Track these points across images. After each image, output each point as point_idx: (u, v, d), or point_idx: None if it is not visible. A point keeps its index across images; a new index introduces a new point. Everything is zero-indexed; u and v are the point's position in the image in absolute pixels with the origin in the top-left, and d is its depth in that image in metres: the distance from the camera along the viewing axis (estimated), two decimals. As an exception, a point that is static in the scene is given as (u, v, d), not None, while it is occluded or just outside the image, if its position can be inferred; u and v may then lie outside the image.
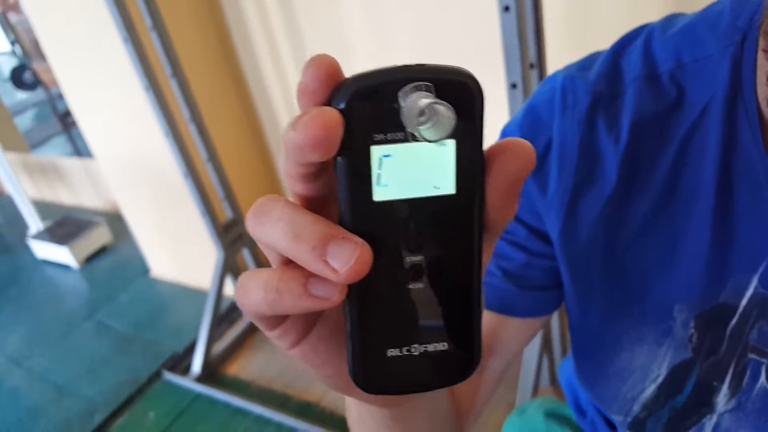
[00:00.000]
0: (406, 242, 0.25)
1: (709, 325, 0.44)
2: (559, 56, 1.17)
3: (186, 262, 2.13)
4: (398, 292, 0.26)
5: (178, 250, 2.11)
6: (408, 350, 0.26)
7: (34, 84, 4.49)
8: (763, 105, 0.38)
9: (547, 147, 0.47)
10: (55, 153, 3.57)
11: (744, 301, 0.42)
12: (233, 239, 1.83)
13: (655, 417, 0.50)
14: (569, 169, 0.45)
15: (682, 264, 0.44)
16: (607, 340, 0.49)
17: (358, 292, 0.25)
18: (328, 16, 1.66)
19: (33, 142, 3.81)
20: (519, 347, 0.55)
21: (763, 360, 0.43)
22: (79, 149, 3.41)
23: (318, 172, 0.24)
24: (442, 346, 0.26)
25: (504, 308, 0.52)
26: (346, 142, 0.23)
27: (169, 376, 1.80)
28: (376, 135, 0.23)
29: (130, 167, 1.99)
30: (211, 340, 1.80)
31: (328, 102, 0.23)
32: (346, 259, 0.22)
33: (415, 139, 0.23)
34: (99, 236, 2.57)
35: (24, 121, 4.70)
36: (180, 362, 1.86)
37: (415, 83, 0.23)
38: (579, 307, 0.50)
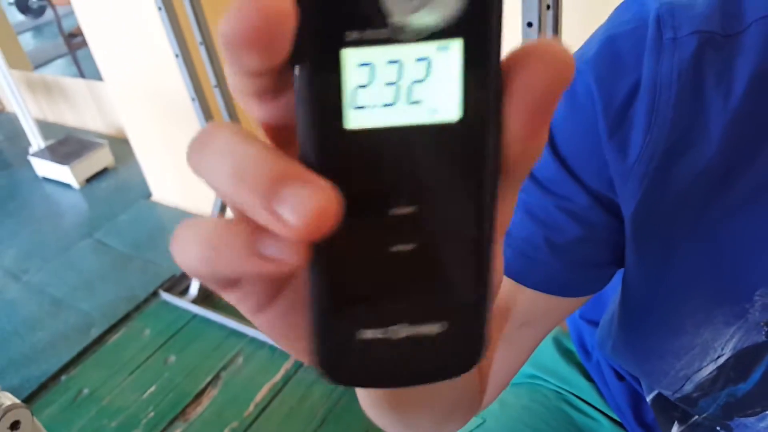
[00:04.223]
0: (390, 187, 0.18)
1: None
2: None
3: (188, 187, 2.15)
4: (377, 254, 0.19)
5: (181, 174, 2.13)
6: (390, 331, 0.20)
7: (41, 9, 4.40)
8: None
9: (632, 96, 0.37)
10: (58, 74, 3.54)
11: None
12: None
13: (710, 398, 0.46)
14: (662, 128, 0.36)
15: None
16: (671, 318, 0.44)
17: (322, 254, 0.18)
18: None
19: (37, 63, 3.77)
20: (560, 320, 0.48)
21: None
22: (83, 71, 3.39)
23: (275, 86, 0.18)
24: (437, 327, 0.20)
25: (549, 287, 0.44)
26: (305, 41, 0.16)
27: (167, 296, 1.85)
28: (349, 32, 0.17)
29: (139, 90, 1.99)
30: (208, 265, 1.83)
31: None
32: (303, 208, 0.16)
33: (403, 36, 0.17)
34: (101, 158, 2.58)
35: (28, 40, 4.63)
36: (178, 284, 1.91)
37: None
38: (646, 285, 0.44)
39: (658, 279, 0.43)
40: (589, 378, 0.64)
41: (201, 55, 1.67)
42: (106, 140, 2.64)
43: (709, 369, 0.43)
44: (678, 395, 0.46)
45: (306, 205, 0.16)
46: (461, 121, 0.17)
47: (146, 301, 1.86)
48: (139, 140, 2.18)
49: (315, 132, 0.17)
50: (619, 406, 0.60)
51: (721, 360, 0.42)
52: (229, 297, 0.21)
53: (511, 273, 0.44)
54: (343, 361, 0.20)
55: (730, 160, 0.36)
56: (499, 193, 0.19)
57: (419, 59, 0.17)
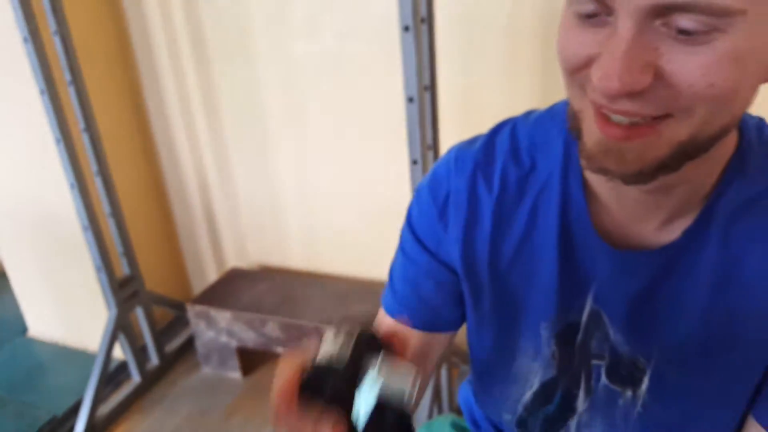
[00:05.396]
0: None
1: (565, 342, 0.58)
2: (451, 140, 1.36)
3: (70, 322, 2.05)
4: None
5: (63, 308, 2.03)
6: None
7: None
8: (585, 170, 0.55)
9: (446, 198, 0.61)
10: None
11: (584, 318, 0.57)
12: (128, 296, 1.81)
13: (533, 417, 0.64)
14: (462, 212, 0.60)
15: (541, 289, 0.57)
16: (498, 350, 0.63)
17: None
18: (243, 76, 1.77)
19: None
20: (438, 358, 0.68)
21: (602, 363, 0.58)
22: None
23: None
24: None
25: (428, 326, 0.65)
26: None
27: (46, 441, 1.69)
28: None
29: (22, 220, 1.92)
30: (96, 402, 1.73)
31: None
32: None
33: None
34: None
35: None
36: (59, 426, 1.76)
37: None
38: (476, 324, 0.63)
39: (482, 318, 0.62)
40: None
41: (97, 185, 1.69)
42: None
43: (528, 395, 0.63)
44: (515, 417, 0.65)
45: None
46: None
47: (22, 448, 1.70)
48: (17, 272, 2.07)
49: None
50: None
51: (534, 388, 0.62)
52: None
53: (412, 324, 0.65)
54: None
55: (497, 230, 0.58)
56: None
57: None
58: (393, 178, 1.65)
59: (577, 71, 0.42)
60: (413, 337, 0.65)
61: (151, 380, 1.91)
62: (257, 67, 1.73)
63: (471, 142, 0.63)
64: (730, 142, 0.50)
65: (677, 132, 0.41)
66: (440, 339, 0.66)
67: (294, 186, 1.89)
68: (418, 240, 0.63)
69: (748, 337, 0.50)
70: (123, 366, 1.91)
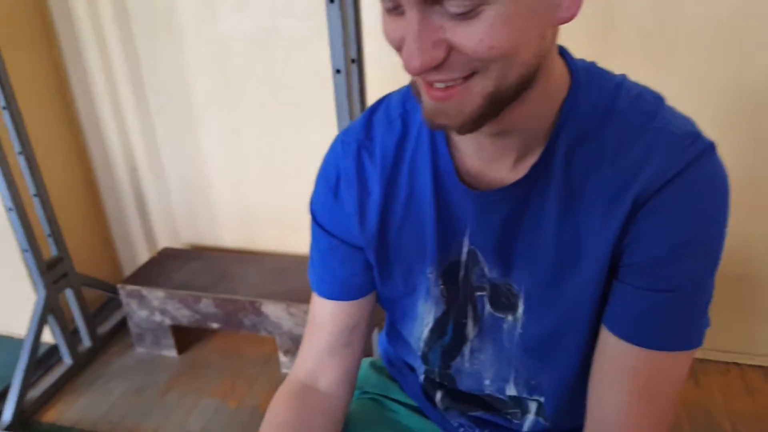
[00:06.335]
0: None
1: (450, 280, 0.66)
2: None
3: (-5, 307, 1.99)
4: None
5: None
6: None
7: None
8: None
9: (338, 179, 0.68)
10: None
11: (463, 257, 0.64)
12: (56, 278, 1.78)
13: (432, 351, 0.72)
14: (353, 190, 0.66)
15: (425, 238, 0.65)
16: (400, 298, 0.71)
17: None
18: (169, 53, 1.76)
19: None
20: (370, 320, 0.75)
21: (484, 293, 0.65)
22: None
23: None
24: None
25: (346, 296, 0.71)
26: None
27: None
28: None
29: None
30: (25, 387, 1.70)
31: None
32: None
33: None
34: None
35: None
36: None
37: None
38: (381, 279, 0.70)
39: (387, 275, 0.69)
40: (394, 381, 0.87)
41: (20, 164, 1.64)
42: None
43: (425, 332, 0.70)
44: (419, 353, 0.72)
45: None
46: None
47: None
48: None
49: None
50: (416, 394, 0.81)
51: (430, 325, 0.70)
52: None
53: (330, 296, 0.71)
54: None
55: (387, 197, 0.65)
56: None
57: None
58: (322, 147, 1.68)
59: (399, 51, 0.49)
60: (339, 308, 0.72)
61: (84, 362, 1.89)
62: (183, 44, 1.73)
63: (352, 125, 0.69)
64: (562, 86, 0.57)
65: (484, 85, 0.48)
66: (363, 304, 0.72)
67: (225, 165, 1.90)
68: (320, 225, 0.71)
69: (590, 254, 0.57)
70: (54, 349, 1.88)
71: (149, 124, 1.90)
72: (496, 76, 0.48)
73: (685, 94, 1.18)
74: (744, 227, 1.50)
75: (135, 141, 1.95)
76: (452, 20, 0.45)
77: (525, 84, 0.51)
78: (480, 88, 0.49)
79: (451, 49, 0.46)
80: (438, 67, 0.47)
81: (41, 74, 1.84)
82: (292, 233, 1.91)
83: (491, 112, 0.50)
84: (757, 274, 1.57)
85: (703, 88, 1.42)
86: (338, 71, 1.27)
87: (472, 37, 0.45)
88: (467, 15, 0.44)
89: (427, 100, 0.51)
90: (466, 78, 0.48)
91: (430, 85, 0.50)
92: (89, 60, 1.85)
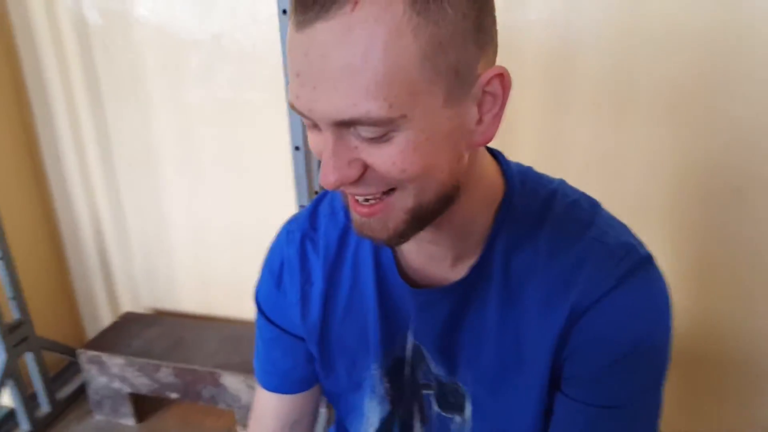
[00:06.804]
0: None
1: (395, 377, 0.65)
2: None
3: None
4: None
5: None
6: None
7: None
8: None
9: (281, 267, 0.68)
10: None
11: (408, 353, 0.63)
12: (17, 341, 1.75)
13: None
14: (296, 277, 0.67)
15: (369, 332, 0.64)
16: (344, 394, 0.70)
17: None
18: (136, 120, 1.77)
19: None
20: (313, 415, 0.76)
21: (431, 392, 0.64)
22: None
23: None
24: None
25: (288, 389, 0.72)
26: None
27: None
28: None
29: None
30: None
31: None
32: None
33: None
34: None
35: None
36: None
37: None
38: (324, 374, 0.69)
39: (329, 368, 0.68)
40: None
41: None
42: None
43: (372, 431, 0.69)
44: None
45: None
46: None
47: None
48: None
49: None
50: None
51: (376, 425, 0.69)
52: None
53: (273, 389, 0.72)
54: None
55: (329, 289, 0.66)
56: None
57: None
58: (284, 216, 1.69)
59: None
60: (280, 402, 0.72)
61: (42, 429, 1.85)
62: (150, 112, 1.75)
63: (299, 214, 0.70)
64: (495, 191, 0.57)
65: (404, 201, 0.49)
66: (306, 398, 0.73)
67: (186, 231, 1.92)
68: (263, 314, 0.71)
69: (531, 358, 0.56)
70: (11, 414, 1.83)
71: (114, 187, 1.92)
72: (415, 194, 0.48)
73: (639, 155, 1.16)
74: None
75: (100, 203, 1.97)
76: (365, 142, 0.46)
77: (447, 200, 0.51)
78: (401, 204, 0.49)
79: (366, 167, 0.47)
80: (356, 182, 0.48)
81: (10, 135, 1.86)
82: (249, 300, 1.88)
83: (416, 225, 0.51)
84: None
85: (657, 150, 1.35)
86: (297, 148, 1.28)
87: (385, 159, 0.46)
88: (379, 139, 0.45)
89: (353, 213, 0.52)
90: (387, 193, 0.49)
91: (355, 200, 0.50)
92: (59, 123, 1.87)
